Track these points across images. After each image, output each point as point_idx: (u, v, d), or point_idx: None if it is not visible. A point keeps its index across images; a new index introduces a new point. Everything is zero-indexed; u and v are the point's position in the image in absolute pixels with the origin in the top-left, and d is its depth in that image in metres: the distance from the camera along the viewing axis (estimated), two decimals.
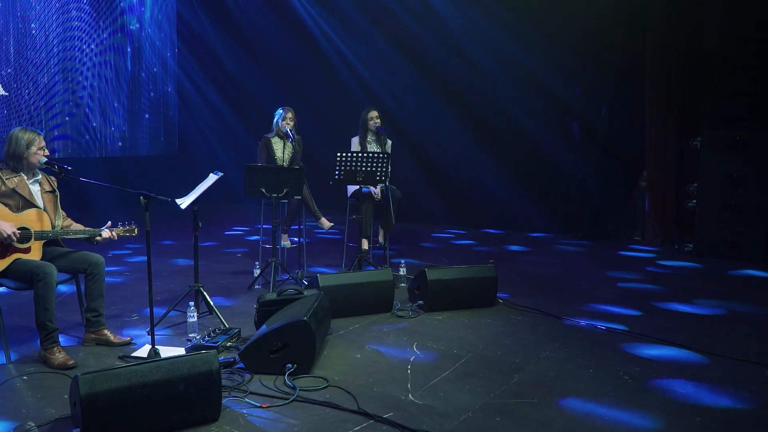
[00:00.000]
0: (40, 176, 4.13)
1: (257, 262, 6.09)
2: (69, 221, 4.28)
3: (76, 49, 10.25)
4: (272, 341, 3.71)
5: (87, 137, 10.53)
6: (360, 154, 5.68)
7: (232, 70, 11.38)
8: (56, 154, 9.87)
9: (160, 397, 2.93)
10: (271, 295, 4.34)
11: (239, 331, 4.35)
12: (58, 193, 4.21)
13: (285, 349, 3.71)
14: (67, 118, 10.22)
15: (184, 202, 4.35)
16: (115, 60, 10.85)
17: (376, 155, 5.71)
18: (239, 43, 11.29)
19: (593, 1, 8.19)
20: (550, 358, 4.07)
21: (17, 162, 4.01)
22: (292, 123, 6.22)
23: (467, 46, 9.15)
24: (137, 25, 11.12)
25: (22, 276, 3.85)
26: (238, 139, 11.36)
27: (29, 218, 3.96)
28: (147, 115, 11.50)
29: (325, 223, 6.35)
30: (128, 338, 4.25)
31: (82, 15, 10.32)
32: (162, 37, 11.57)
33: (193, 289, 4.59)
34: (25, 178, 4.03)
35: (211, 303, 4.60)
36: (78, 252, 4.18)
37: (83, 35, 10.34)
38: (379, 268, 5.52)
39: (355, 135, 6.54)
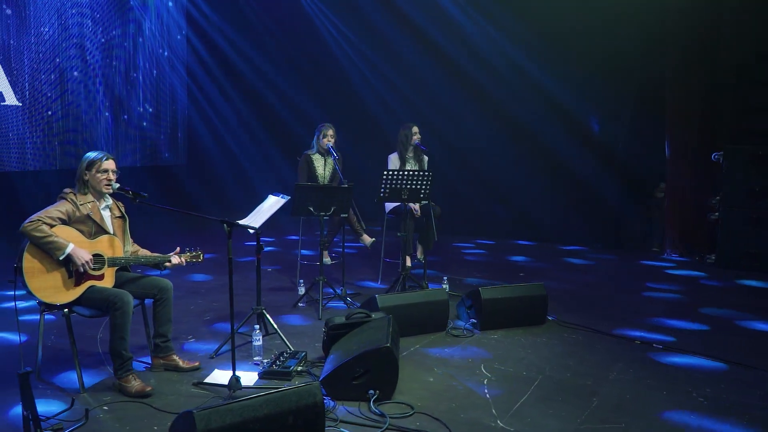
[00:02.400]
0: (110, 201, 4.09)
1: (301, 280, 6.08)
2: (136, 246, 4.24)
3: (87, 53, 10.13)
4: (355, 368, 3.72)
5: (98, 147, 10.40)
6: (405, 172, 5.71)
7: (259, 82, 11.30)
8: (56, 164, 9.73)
9: (271, 431, 2.92)
10: (340, 319, 4.34)
11: (305, 354, 4.34)
12: (127, 218, 4.17)
13: (367, 375, 3.72)
14: (77, 127, 10.10)
15: (253, 224, 4.32)
16: (126, 66, 10.75)
17: (420, 173, 5.73)
18: (267, 56, 11.20)
19: (615, 17, 8.28)
20: (619, 380, 4.13)
21: (83, 185, 3.97)
22: (333, 140, 6.22)
23: (494, 65, 9.20)
24: (151, 37, 11.02)
25: (97, 304, 3.81)
26: (254, 152, 11.34)
27: (102, 245, 3.92)
28: (158, 126, 11.40)
29: (367, 239, 6.36)
30: (197, 363, 4.23)
31: (92, 24, 10.21)
32: (173, 44, 11.48)
33: (255, 311, 4.57)
34: (97, 203, 3.99)
35: (275, 326, 4.58)
36: (147, 277, 4.15)
37: (93, 46, 10.23)
38: (432, 286, 5.54)
39: (393, 151, 6.55)
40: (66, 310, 3.81)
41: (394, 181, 5.69)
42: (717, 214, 7.72)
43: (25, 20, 9.32)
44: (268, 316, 4.58)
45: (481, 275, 7.11)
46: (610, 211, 9.01)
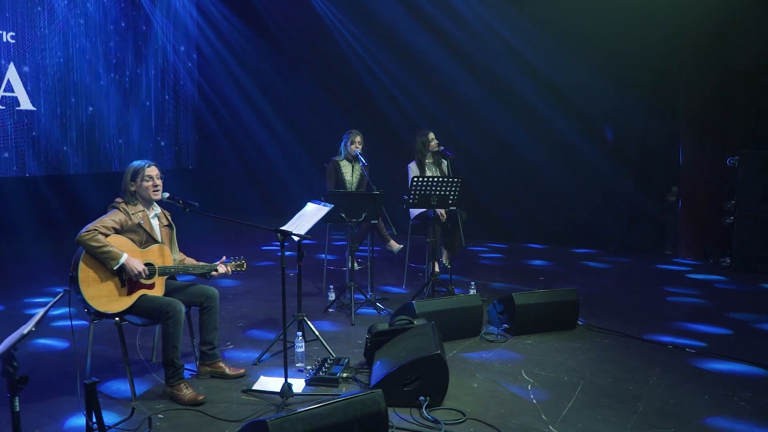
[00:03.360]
0: (159, 210, 4.12)
1: (331, 286, 6.13)
2: (181, 255, 4.27)
3: (98, 56, 10.14)
4: (406, 374, 3.77)
5: (107, 151, 10.41)
6: (434, 179, 5.76)
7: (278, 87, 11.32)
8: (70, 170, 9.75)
9: None
10: (383, 326, 4.39)
11: (348, 360, 4.39)
12: (174, 227, 4.20)
13: (418, 382, 3.77)
14: (91, 130, 10.11)
15: (298, 231, 4.35)
16: (135, 69, 10.76)
17: (450, 180, 5.79)
18: (284, 60, 11.24)
19: (630, 22, 8.38)
20: (659, 385, 4.20)
21: (131, 196, 4.00)
22: (360, 146, 6.27)
23: (509, 69, 9.27)
24: (165, 45, 11.03)
25: (149, 312, 3.84)
26: (263, 154, 11.38)
27: (153, 254, 3.96)
28: (166, 129, 11.40)
29: (395, 245, 6.41)
30: (242, 370, 4.27)
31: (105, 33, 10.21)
32: (184, 48, 11.50)
33: (297, 318, 4.61)
34: (147, 212, 4.02)
35: (317, 333, 4.63)
36: (194, 285, 4.19)
37: (108, 53, 10.23)
38: (457, 291, 5.59)
39: (412, 160, 6.59)
40: (118, 318, 3.84)
41: (423, 188, 5.74)
42: (732, 218, 7.82)
43: (36, 26, 9.32)
44: (309, 322, 4.62)
45: (502, 279, 7.17)
46: (622, 214, 9.11)
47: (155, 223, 4.06)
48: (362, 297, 5.92)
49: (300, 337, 4.43)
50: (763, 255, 7.58)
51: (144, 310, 3.84)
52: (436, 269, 6.08)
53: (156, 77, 11.08)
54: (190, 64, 11.62)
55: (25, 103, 9.16)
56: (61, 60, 9.58)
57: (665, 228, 9.06)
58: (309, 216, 4.43)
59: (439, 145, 6.45)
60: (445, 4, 9.57)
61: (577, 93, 8.89)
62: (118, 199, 3.97)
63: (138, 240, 3.92)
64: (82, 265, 3.68)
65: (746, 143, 7.90)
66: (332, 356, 4.45)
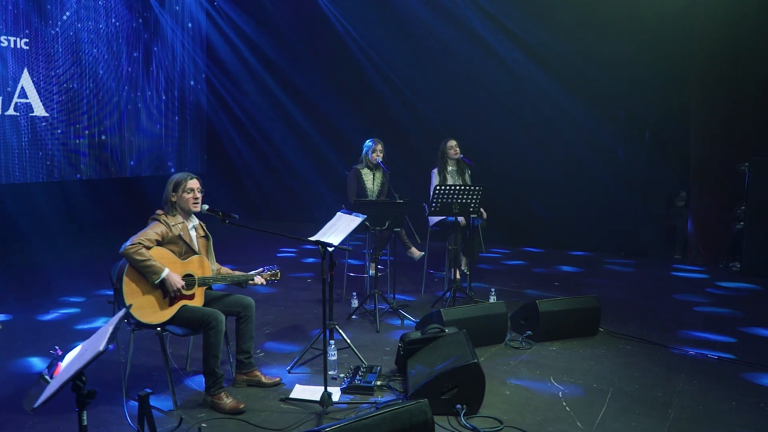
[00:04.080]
0: (197, 221, 4.19)
1: (354, 293, 6.20)
2: (217, 264, 4.34)
3: (109, 62, 10.19)
4: (443, 383, 3.85)
5: (118, 157, 10.46)
6: (456, 187, 5.85)
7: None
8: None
9: None
10: (416, 334, 4.47)
11: (380, 368, 4.47)
12: (211, 237, 4.27)
13: (454, 390, 3.85)
14: (103, 137, 10.15)
15: (332, 241, 4.42)
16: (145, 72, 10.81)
17: (471, 188, 5.88)
18: (306, 68, 11.31)
19: (639, 27, 8.51)
20: (687, 391, 4.29)
21: (170, 206, 4.07)
22: (381, 155, 6.35)
23: (526, 85, 9.42)
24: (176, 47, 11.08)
25: (191, 323, 3.91)
26: (271, 157, 11.45)
27: (193, 265, 4.02)
28: (175, 134, 11.45)
29: (416, 252, 6.49)
30: (277, 378, 4.33)
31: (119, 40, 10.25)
32: (195, 53, 11.54)
33: (329, 326, 4.67)
34: (186, 223, 4.09)
35: (348, 341, 4.70)
36: (231, 295, 4.25)
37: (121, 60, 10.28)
38: (487, 301, 5.67)
39: (434, 167, 6.69)
40: (159, 329, 3.90)
41: (445, 196, 5.83)
42: (742, 223, 7.94)
43: (47, 32, 9.36)
44: (341, 330, 4.69)
45: (517, 284, 7.27)
46: (632, 219, 9.20)
47: (193, 234, 4.13)
48: (384, 304, 5.98)
49: (333, 346, 4.49)
50: None
51: (185, 320, 3.91)
52: (457, 276, 6.15)
53: (166, 79, 11.13)
54: (201, 65, 11.68)
55: (39, 110, 9.20)
56: (74, 67, 9.63)
57: (675, 233, 9.18)
58: (342, 226, 4.50)
59: (458, 153, 6.54)
60: (467, 15, 9.72)
61: (588, 101, 9.00)
62: (159, 211, 4.04)
63: (178, 251, 3.99)
64: (126, 279, 3.75)
65: (756, 150, 8.01)
66: (364, 364, 4.53)
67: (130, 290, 3.76)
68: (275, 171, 11.48)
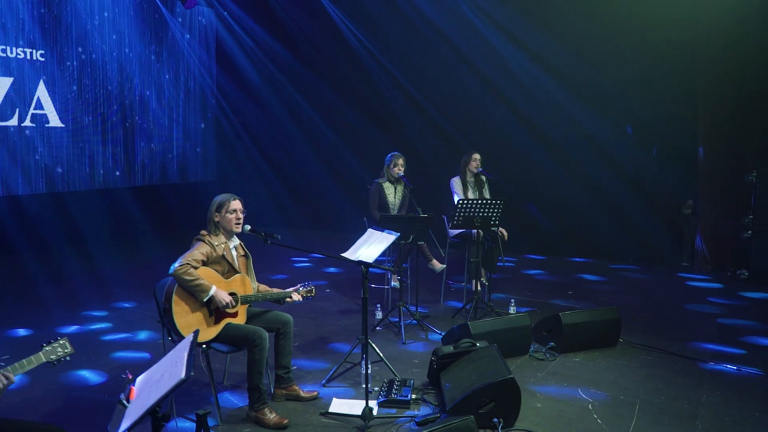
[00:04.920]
0: (237, 241, 4.31)
1: (378, 305, 6.32)
2: (256, 282, 4.45)
3: (122, 73, 10.28)
4: (481, 398, 3.98)
5: (133, 165, 10.56)
6: (478, 201, 5.99)
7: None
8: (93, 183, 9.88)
9: None
10: (448, 348, 4.60)
11: (413, 381, 4.59)
12: (250, 256, 4.39)
13: (491, 405, 3.98)
14: (118, 148, 10.25)
15: (365, 259, 4.54)
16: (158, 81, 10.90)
17: (493, 202, 6.02)
18: (323, 80, 11.49)
19: (648, 39, 8.69)
20: (711, 402, 4.44)
21: (214, 226, 4.19)
22: (402, 168, 6.48)
23: (536, 93, 9.62)
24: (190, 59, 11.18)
25: (235, 341, 4.03)
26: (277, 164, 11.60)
27: (236, 284, 4.14)
28: (189, 142, 11.55)
29: (437, 265, 6.62)
30: (315, 392, 4.45)
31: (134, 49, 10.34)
32: (204, 60, 11.64)
33: (361, 341, 4.80)
34: (228, 243, 4.21)
35: (381, 355, 4.82)
36: (270, 312, 4.38)
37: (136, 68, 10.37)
38: (507, 312, 5.80)
39: (456, 175, 6.85)
40: (204, 346, 4.02)
41: (467, 210, 5.97)
42: (750, 232, 8.11)
43: (64, 44, 9.45)
44: (374, 345, 4.81)
45: (532, 293, 7.41)
46: (639, 226, 9.36)
47: (234, 253, 4.25)
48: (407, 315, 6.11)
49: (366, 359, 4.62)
50: None
51: (230, 338, 4.03)
52: (478, 288, 6.29)
53: (181, 89, 11.23)
54: (216, 76, 11.79)
55: (54, 121, 9.28)
56: (89, 77, 9.72)
57: (682, 240, 9.34)
58: (375, 243, 4.63)
59: (479, 166, 6.69)
60: (480, 34, 9.94)
61: (597, 115, 9.20)
62: (203, 232, 4.16)
63: (221, 270, 4.11)
64: (175, 298, 3.86)
65: (764, 159, 8.18)
66: (398, 377, 4.65)
67: (180, 309, 3.88)
68: (292, 178, 11.65)
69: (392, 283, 6.63)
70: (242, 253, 4.35)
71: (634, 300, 7.20)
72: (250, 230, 4.17)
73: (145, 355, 5.24)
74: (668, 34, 8.57)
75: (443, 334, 5.62)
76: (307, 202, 11.63)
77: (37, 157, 9.08)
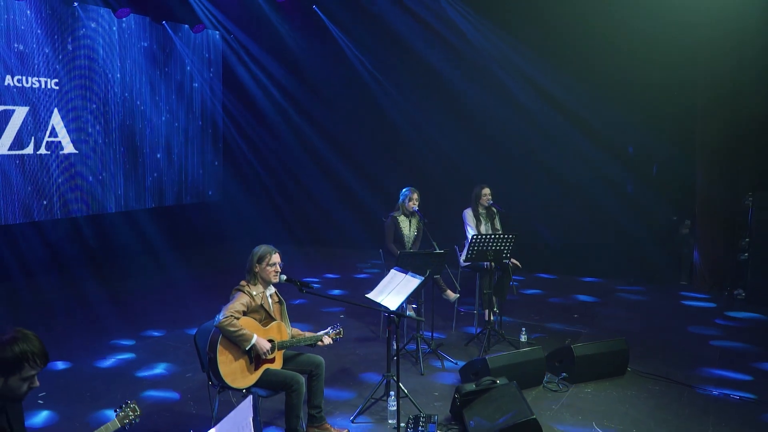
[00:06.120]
0: (273, 289, 4.56)
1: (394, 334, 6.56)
2: (291, 327, 4.70)
3: (127, 95, 10.48)
4: None
5: (147, 189, 10.77)
6: (491, 236, 6.27)
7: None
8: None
9: None
10: (470, 386, 4.87)
11: (437, 417, 4.85)
12: (284, 302, 4.64)
13: None
14: (127, 166, 10.45)
15: (390, 303, 4.80)
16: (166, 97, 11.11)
17: (505, 236, 6.30)
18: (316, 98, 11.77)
19: (649, 64, 9.02)
20: None
21: (253, 276, 4.44)
22: (417, 203, 6.75)
23: (536, 107, 9.95)
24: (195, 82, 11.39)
25: (274, 385, 4.28)
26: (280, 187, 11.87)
27: (273, 331, 4.39)
28: (196, 163, 11.77)
29: (451, 294, 6.89)
30: (345, 430, 4.71)
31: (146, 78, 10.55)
32: (211, 82, 11.86)
33: (387, 377, 5.06)
34: (265, 291, 4.45)
35: (406, 391, 5.08)
36: (303, 354, 4.63)
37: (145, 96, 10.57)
38: (518, 339, 6.07)
39: (468, 206, 7.14)
40: (244, 390, 4.26)
41: (480, 244, 6.24)
42: (746, 254, 8.43)
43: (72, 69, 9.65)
44: (401, 385, 5.05)
45: (539, 317, 7.69)
46: (639, 246, 9.67)
47: (270, 301, 4.50)
48: (422, 344, 6.35)
49: (393, 396, 4.87)
50: None
51: (269, 383, 4.28)
52: (491, 318, 6.56)
53: (190, 112, 11.44)
54: (223, 100, 12.01)
55: (68, 147, 9.48)
56: (101, 103, 9.93)
57: (681, 259, 9.66)
58: (400, 287, 4.88)
59: (490, 200, 6.97)
60: (491, 64, 10.26)
61: (602, 131, 9.53)
62: (243, 282, 4.40)
63: (259, 318, 4.36)
64: (220, 348, 4.11)
65: (761, 183, 8.49)
66: (422, 413, 4.91)
67: (225, 359, 4.12)
68: (296, 197, 11.94)
69: (408, 312, 6.88)
70: (277, 299, 4.59)
71: (637, 324, 7.48)
72: (286, 280, 4.42)
73: (174, 395, 5.45)
74: (668, 65, 8.93)
75: (459, 364, 5.90)
76: (310, 220, 11.91)
77: (52, 183, 9.27)
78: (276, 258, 4.43)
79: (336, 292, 8.96)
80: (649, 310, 8.16)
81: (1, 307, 7.95)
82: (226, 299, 4.38)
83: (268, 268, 4.40)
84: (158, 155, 10.94)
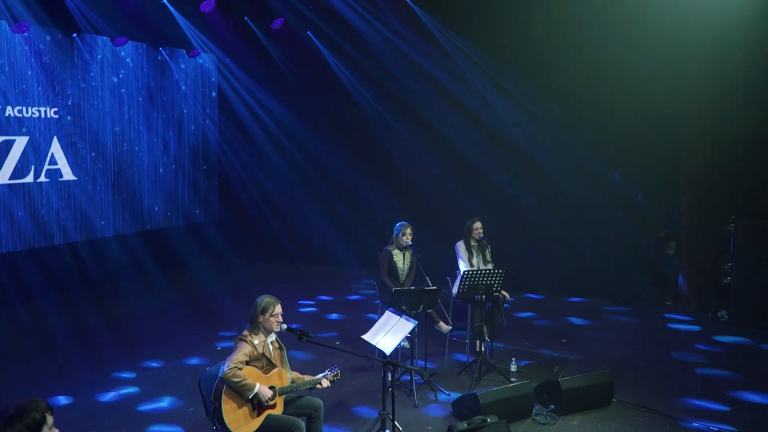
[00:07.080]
0: (274, 336, 4.77)
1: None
2: (290, 372, 4.91)
3: (123, 117, 10.66)
4: None
5: (143, 213, 10.95)
6: (482, 271, 6.51)
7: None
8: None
9: None
10: (462, 425, 5.09)
11: None
12: (284, 348, 4.85)
13: None
14: (125, 195, 10.64)
15: (385, 346, 5.03)
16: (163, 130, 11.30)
17: (495, 271, 6.54)
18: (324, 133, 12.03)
19: (634, 95, 9.32)
20: None
21: (255, 325, 4.65)
22: (410, 237, 6.98)
23: (523, 131, 10.26)
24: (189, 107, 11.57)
25: (276, 430, 4.50)
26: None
27: (274, 378, 4.61)
28: (192, 184, 11.96)
29: (444, 326, 7.12)
30: None
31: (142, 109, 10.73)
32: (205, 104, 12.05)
33: (382, 416, 5.28)
34: (266, 339, 4.67)
35: (401, 429, 5.30)
36: (303, 398, 4.85)
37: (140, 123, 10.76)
38: (509, 369, 6.31)
39: (460, 239, 7.38)
40: None
41: (471, 279, 6.49)
42: (729, 278, 8.71)
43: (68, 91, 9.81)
44: (396, 422, 5.27)
45: (529, 343, 7.92)
46: (626, 267, 9.96)
47: (271, 348, 4.71)
48: (416, 376, 6.56)
49: None
50: (758, 311, 8.47)
51: (271, 429, 4.49)
52: (482, 349, 6.80)
53: (184, 135, 11.63)
54: (218, 125, 12.20)
55: (68, 174, 9.65)
56: (97, 130, 10.11)
57: (666, 280, 9.94)
58: (394, 332, 5.11)
59: (481, 233, 7.21)
60: (478, 97, 10.55)
61: (589, 160, 9.82)
62: (245, 332, 4.62)
63: (260, 366, 4.57)
64: (224, 397, 4.32)
65: (742, 208, 8.77)
66: None
67: (229, 407, 4.34)
68: (290, 217, 12.19)
69: (401, 343, 7.09)
70: (278, 346, 4.81)
71: (623, 349, 7.72)
72: (286, 329, 4.64)
73: (179, 429, 5.66)
74: (654, 92, 9.21)
75: (451, 396, 6.13)
76: (302, 239, 12.13)
77: (51, 211, 9.44)
78: (278, 309, 4.65)
79: (335, 316, 9.16)
80: (635, 334, 8.41)
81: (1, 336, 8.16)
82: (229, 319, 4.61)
83: (271, 318, 4.61)
84: (153, 179, 11.12)
